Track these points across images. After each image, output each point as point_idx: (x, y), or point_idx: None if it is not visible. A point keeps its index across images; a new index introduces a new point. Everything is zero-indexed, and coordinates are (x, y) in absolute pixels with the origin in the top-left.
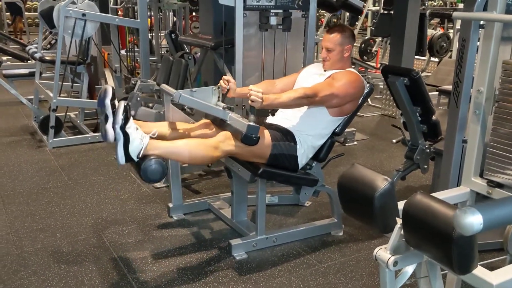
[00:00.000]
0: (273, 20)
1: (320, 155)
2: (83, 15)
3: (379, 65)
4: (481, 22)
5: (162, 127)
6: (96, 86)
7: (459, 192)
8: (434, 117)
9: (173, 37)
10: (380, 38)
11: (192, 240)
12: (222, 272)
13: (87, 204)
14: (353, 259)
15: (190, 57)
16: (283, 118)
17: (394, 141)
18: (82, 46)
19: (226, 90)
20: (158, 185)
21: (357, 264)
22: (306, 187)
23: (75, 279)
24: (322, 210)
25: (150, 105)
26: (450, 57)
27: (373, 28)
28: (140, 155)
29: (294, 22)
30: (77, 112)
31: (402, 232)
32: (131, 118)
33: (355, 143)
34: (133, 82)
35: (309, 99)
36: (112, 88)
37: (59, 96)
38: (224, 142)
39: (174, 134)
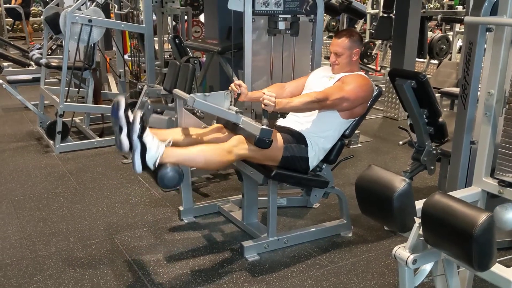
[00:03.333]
0: (281, 25)
1: (331, 157)
2: (90, 20)
3: (379, 67)
4: (489, 26)
5: (176, 134)
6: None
7: (470, 192)
8: (440, 119)
9: (177, 41)
10: (380, 41)
11: (204, 242)
12: (235, 274)
13: (98, 208)
14: (363, 259)
15: (196, 61)
16: (294, 121)
17: (400, 143)
18: (88, 52)
19: (237, 94)
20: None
21: (368, 264)
22: (316, 189)
23: (91, 282)
24: (330, 211)
25: (158, 110)
26: (450, 59)
27: (372, 31)
28: (157, 164)
29: (301, 26)
30: (82, 117)
31: (420, 231)
32: (148, 127)
33: (359, 145)
34: (139, 87)
35: (321, 103)
36: (125, 98)
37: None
38: (238, 146)
39: (187, 140)
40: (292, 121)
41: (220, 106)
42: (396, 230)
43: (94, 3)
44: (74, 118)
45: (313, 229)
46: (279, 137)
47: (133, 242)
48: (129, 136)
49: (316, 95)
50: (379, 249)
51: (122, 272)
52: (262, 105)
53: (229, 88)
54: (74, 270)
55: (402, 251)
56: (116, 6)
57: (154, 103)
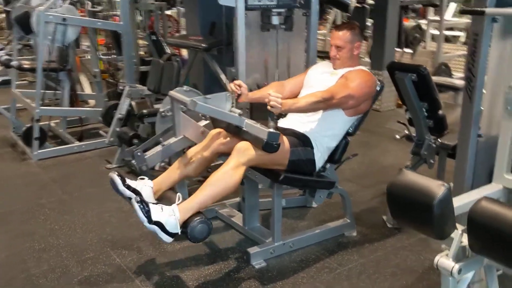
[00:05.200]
0: (275, 20)
1: (336, 156)
2: (64, 19)
3: None
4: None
5: (180, 169)
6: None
7: (491, 189)
8: (440, 112)
9: (154, 38)
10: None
11: (206, 250)
12: (244, 283)
13: (88, 218)
14: (372, 259)
15: (178, 59)
16: (297, 121)
17: (397, 136)
18: (63, 52)
19: (237, 95)
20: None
21: (378, 265)
22: (320, 189)
23: None
24: (331, 210)
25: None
26: (425, 47)
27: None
28: (179, 228)
29: (295, 20)
30: (58, 121)
31: (462, 238)
32: (151, 204)
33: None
34: (120, 87)
35: (327, 102)
36: (117, 172)
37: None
38: (243, 155)
39: (191, 166)
40: (294, 122)
41: (221, 108)
42: (434, 237)
43: (68, 1)
44: (49, 122)
45: (318, 230)
46: (285, 141)
47: (131, 255)
48: (142, 200)
49: (322, 95)
50: (385, 248)
51: None
52: (269, 107)
53: (228, 88)
54: None
55: (445, 261)
56: (89, 3)
57: (139, 105)
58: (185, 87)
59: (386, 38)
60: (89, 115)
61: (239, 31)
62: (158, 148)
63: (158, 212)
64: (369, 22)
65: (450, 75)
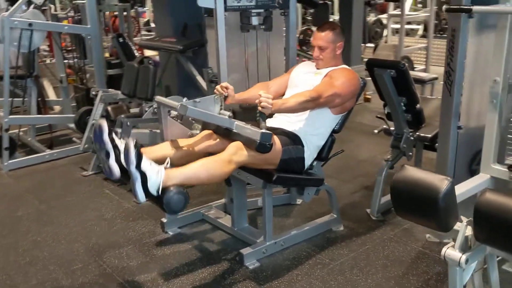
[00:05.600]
0: (254, 20)
1: (323, 154)
2: (30, 25)
3: None
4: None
5: (166, 149)
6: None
7: (480, 180)
8: (418, 106)
9: (121, 41)
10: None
11: (197, 254)
12: (240, 284)
13: (71, 228)
14: (362, 253)
15: (150, 61)
16: (286, 121)
17: (375, 131)
18: (29, 58)
19: (224, 96)
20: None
21: (368, 258)
22: (309, 187)
23: None
24: (315, 206)
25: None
26: (386, 41)
27: (309, 18)
28: (160, 189)
29: (274, 21)
30: (25, 129)
31: (467, 229)
32: (143, 155)
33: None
34: (93, 92)
35: (315, 102)
36: (107, 121)
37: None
38: (236, 153)
39: (179, 153)
40: (283, 121)
41: (210, 111)
42: (439, 230)
43: (32, 5)
44: (18, 130)
45: (307, 227)
46: (277, 140)
47: (121, 263)
48: (118, 161)
49: (310, 94)
50: (373, 240)
51: None
52: (259, 108)
53: (215, 91)
54: None
55: (452, 252)
56: (52, 6)
57: (115, 110)
58: (184, 99)
59: (352, 33)
60: (60, 122)
61: (219, 32)
62: (146, 131)
63: (147, 163)
64: (331, 18)
65: (412, 68)
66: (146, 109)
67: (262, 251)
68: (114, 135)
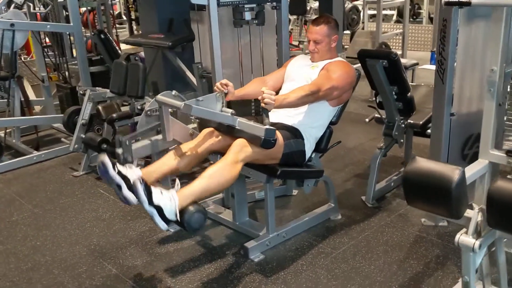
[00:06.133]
0: (247, 15)
1: (321, 145)
2: (12, 25)
3: (296, 42)
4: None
5: (171, 162)
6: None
7: (479, 166)
8: (409, 94)
9: (103, 37)
10: (295, 16)
11: (201, 250)
12: (248, 278)
13: (69, 231)
14: (362, 240)
15: (136, 58)
16: (284, 115)
17: (367, 120)
18: (11, 58)
19: (224, 94)
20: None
21: (369, 244)
22: (308, 179)
23: None
24: (311, 196)
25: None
26: (363, 28)
27: None
28: (177, 214)
29: (266, 15)
30: (9, 130)
31: (479, 216)
32: (151, 187)
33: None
34: (81, 92)
35: (314, 95)
36: (108, 156)
37: None
38: (241, 152)
39: (185, 160)
40: (282, 116)
41: (213, 109)
42: (451, 218)
43: (13, 5)
44: (5, 132)
45: (307, 218)
46: (279, 135)
47: (126, 263)
48: (131, 189)
49: (309, 88)
50: (371, 227)
51: None
52: (262, 104)
53: (215, 88)
54: None
55: (465, 238)
56: (31, 5)
57: (106, 109)
58: (173, 92)
59: None
60: (47, 123)
61: (213, 28)
62: (146, 142)
63: (158, 195)
64: (309, 6)
65: None
66: (139, 107)
67: (265, 243)
68: (119, 167)
